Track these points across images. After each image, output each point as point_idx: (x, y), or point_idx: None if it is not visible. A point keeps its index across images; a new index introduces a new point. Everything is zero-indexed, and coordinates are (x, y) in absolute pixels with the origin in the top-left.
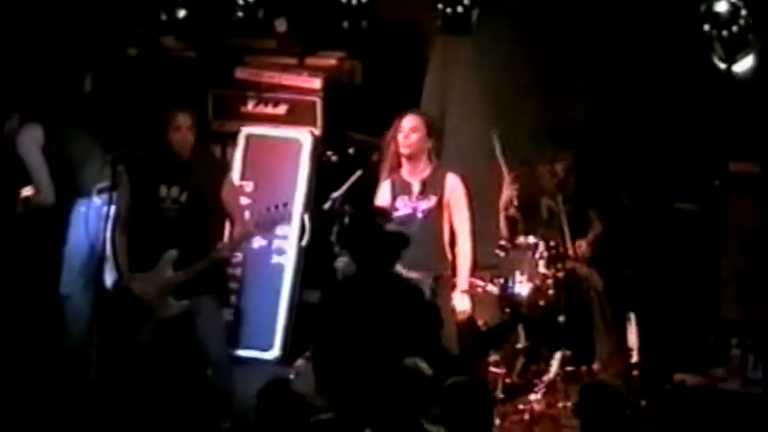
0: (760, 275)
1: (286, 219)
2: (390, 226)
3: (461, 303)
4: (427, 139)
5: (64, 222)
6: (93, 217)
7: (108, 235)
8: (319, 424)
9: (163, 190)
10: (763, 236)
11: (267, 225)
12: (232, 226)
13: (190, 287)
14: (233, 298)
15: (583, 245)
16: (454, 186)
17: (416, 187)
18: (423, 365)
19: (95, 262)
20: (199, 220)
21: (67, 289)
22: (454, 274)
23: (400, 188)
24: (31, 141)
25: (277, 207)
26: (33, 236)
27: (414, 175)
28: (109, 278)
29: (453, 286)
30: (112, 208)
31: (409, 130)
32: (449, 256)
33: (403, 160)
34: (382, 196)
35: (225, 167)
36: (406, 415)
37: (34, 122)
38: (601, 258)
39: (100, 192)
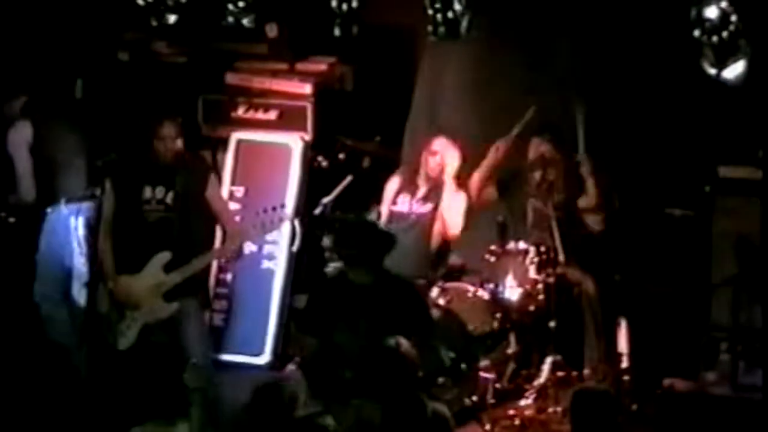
0: (751, 280)
1: (284, 220)
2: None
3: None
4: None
5: (38, 227)
6: (61, 226)
7: (83, 239)
8: (305, 419)
9: (148, 192)
10: (762, 242)
11: (265, 227)
12: (222, 226)
13: (177, 290)
14: (224, 303)
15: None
16: (449, 196)
17: (422, 192)
18: (404, 342)
19: (66, 270)
20: (185, 221)
21: (39, 296)
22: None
23: (407, 186)
24: (19, 139)
25: (275, 209)
26: (13, 238)
27: (425, 181)
28: (76, 290)
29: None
30: (80, 219)
31: (441, 156)
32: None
33: (422, 173)
34: (389, 188)
35: (209, 167)
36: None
37: (25, 119)
38: (592, 263)
39: (68, 201)
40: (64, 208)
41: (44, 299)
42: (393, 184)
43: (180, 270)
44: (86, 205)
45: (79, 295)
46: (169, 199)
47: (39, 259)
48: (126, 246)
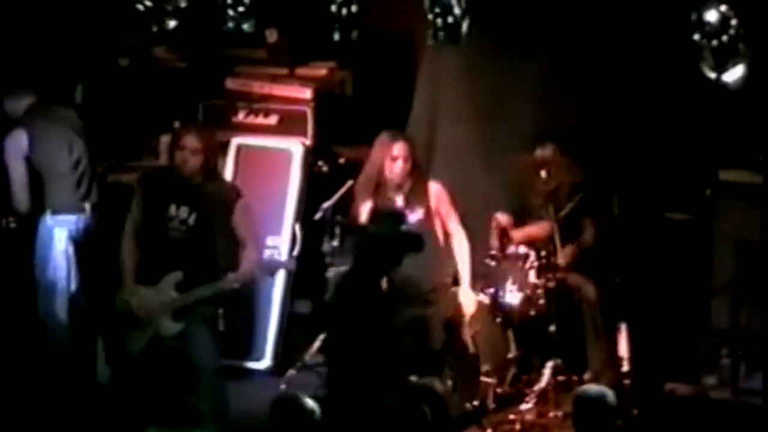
0: (752, 284)
1: (289, 266)
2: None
3: (469, 298)
4: (414, 165)
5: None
6: (45, 238)
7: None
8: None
9: (173, 210)
10: (762, 246)
11: (270, 270)
12: (243, 251)
13: (186, 308)
14: (223, 309)
15: (567, 251)
16: (438, 192)
17: (400, 203)
18: (437, 384)
19: (50, 283)
20: (205, 244)
21: (41, 305)
22: (454, 280)
23: (383, 205)
24: (14, 148)
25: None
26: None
27: (397, 191)
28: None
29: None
30: (64, 233)
31: (402, 159)
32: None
33: (387, 183)
34: (362, 215)
35: (239, 194)
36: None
37: (21, 128)
38: (592, 267)
39: (54, 213)
40: (49, 220)
41: (41, 308)
42: (364, 213)
43: (190, 293)
44: (72, 219)
45: (60, 310)
46: (192, 221)
47: (35, 267)
48: (146, 257)
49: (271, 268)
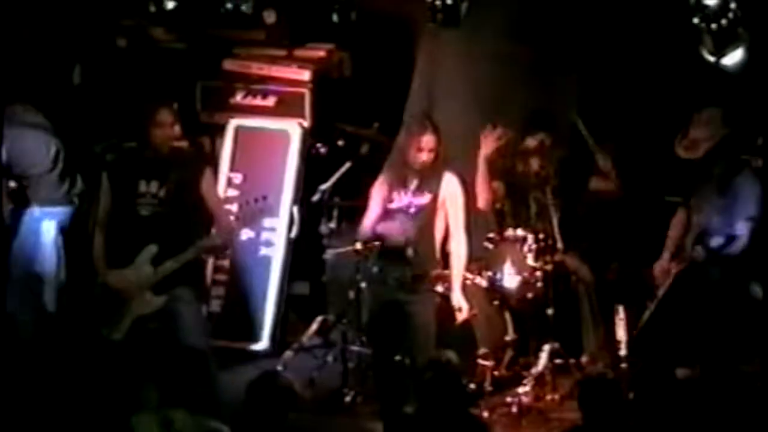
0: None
1: (267, 212)
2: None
3: (460, 301)
4: (437, 155)
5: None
6: (32, 229)
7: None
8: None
9: (143, 186)
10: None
11: (248, 218)
12: (216, 220)
13: (167, 281)
14: (221, 290)
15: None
16: (451, 186)
17: (413, 183)
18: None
19: (35, 276)
20: (179, 216)
21: (20, 298)
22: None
23: (398, 182)
24: None
25: (256, 200)
26: None
27: (415, 174)
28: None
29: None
30: (53, 223)
31: (428, 151)
32: (438, 254)
33: (409, 166)
34: (380, 188)
35: (204, 161)
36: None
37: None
38: (590, 250)
39: (42, 204)
40: (36, 212)
41: (13, 302)
42: (382, 185)
43: (167, 263)
44: (61, 210)
45: (50, 300)
46: (162, 193)
47: (11, 262)
48: (119, 240)
49: (247, 218)
